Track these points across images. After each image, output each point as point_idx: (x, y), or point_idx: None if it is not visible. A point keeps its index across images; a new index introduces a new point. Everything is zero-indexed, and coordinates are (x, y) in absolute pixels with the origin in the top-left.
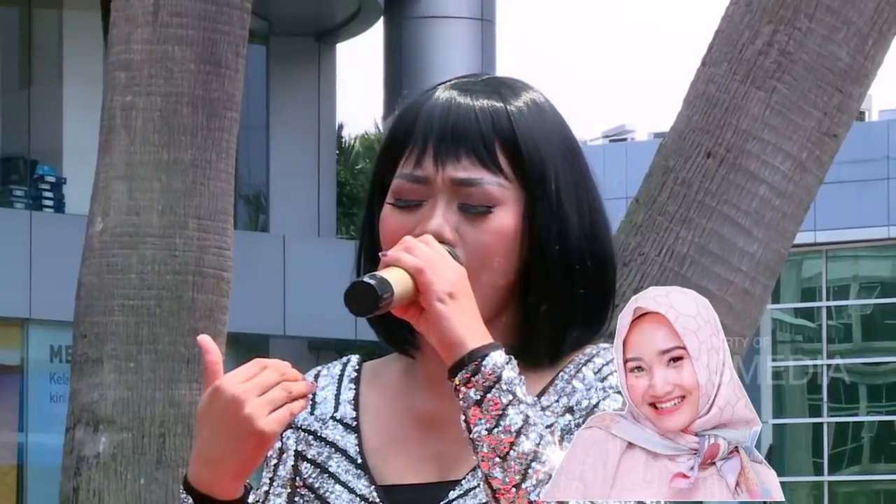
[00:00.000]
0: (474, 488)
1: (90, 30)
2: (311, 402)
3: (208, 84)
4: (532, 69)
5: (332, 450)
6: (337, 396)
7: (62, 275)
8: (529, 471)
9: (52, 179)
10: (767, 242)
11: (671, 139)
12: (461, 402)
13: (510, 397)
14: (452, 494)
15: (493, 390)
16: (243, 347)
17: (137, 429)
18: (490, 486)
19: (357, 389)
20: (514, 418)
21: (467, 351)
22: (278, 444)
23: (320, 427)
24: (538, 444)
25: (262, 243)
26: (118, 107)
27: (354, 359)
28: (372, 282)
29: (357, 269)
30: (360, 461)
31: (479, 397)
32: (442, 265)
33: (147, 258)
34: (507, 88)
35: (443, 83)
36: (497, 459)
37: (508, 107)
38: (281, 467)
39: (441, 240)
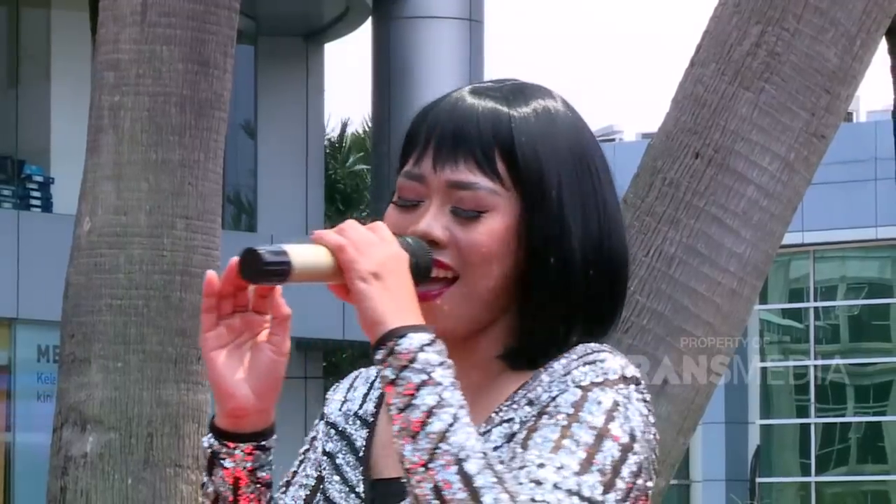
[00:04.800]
0: None
1: (78, 29)
2: (342, 401)
3: (196, 84)
4: (520, 69)
5: (345, 443)
6: (365, 395)
7: (50, 274)
8: (437, 451)
9: (39, 179)
10: (755, 243)
11: (659, 140)
12: (381, 380)
13: (423, 377)
14: None
15: (406, 370)
16: None
17: (125, 429)
18: (403, 465)
19: (377, 388)
20: (425, 399)
21: (386, 330)
22: (312, 433)
23: (342, 422)
24: (450, 426)
25: (249, 243)
26: (106, 106)
27: None
28: (262, 251)
29: None
30: (361, 454)
31: (393, 376)
32: (370, 246)
33: (135, 258)
34: (519, 94)
35: (453, 90)
36: (408, 438)
37: (512, 112)
38: (311, 452)
39: (429, 239)
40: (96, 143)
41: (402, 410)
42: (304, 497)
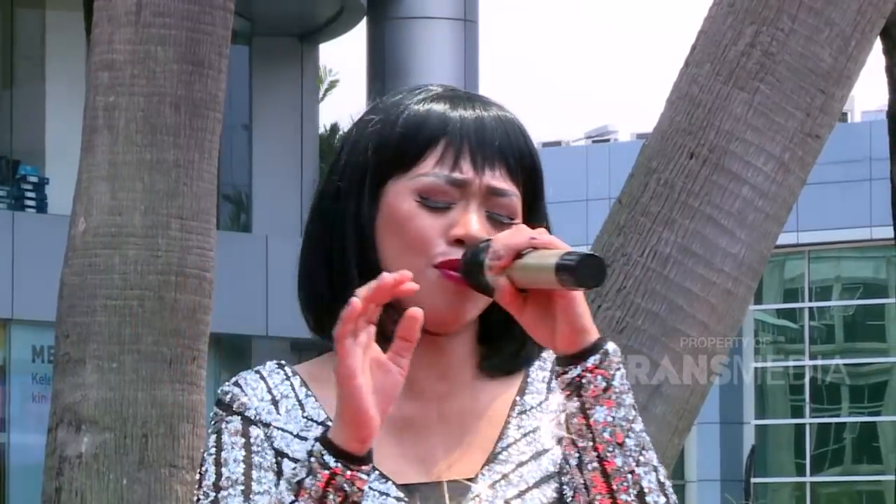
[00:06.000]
0: (498, 481)
1: (73, 30)
2: (272, 402)
3: (191, 84)
4: (515, 69)
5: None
6: (296, 396)
7: (45, 275)
8: (642, 457)
9: (34, 179)
10: (750, 243)
11: (654, 140)
12: (581, 389)
13: (628, 385)
14: (476, 489)
15: (617, 377)
16: (226, 348)
17: (120, 429)
18: (604, 472)
19: (311, 392)
20: (632, 405)
21: (595, 338)
22: (233, 438)
23: (293, 426)
24: (644, 433)
25: (244, 243)
26: (101, 107)
27: (273, 364)
28: (599, 254)
29: (329, 259)
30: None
31: (605, 385)
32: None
33: (129, 258)
34: (491, 101)
35: (438, 93)
36: (616, 444)
37: (517, 121)
38: (256, 456)
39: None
40: (91, 144)
41: (614, 417)
42: None
